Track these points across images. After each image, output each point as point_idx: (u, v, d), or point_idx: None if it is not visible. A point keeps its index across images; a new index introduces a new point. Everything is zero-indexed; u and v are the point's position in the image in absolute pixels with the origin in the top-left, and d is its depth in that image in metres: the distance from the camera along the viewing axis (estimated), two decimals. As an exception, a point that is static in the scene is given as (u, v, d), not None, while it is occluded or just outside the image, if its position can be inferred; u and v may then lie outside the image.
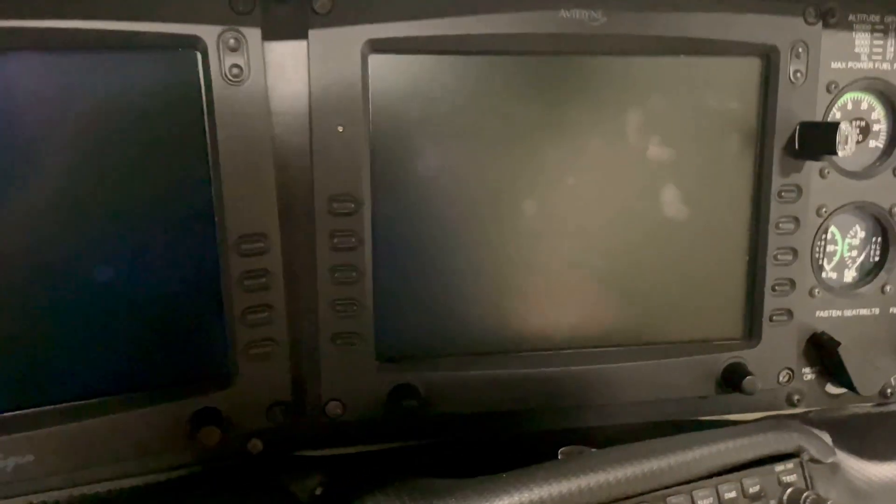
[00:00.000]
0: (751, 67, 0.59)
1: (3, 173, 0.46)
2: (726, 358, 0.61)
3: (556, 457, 0.55)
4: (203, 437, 0.50)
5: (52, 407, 0.49)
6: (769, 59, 0.58)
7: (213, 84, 0.49)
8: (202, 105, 0.49)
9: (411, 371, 0.56)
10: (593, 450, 0.54)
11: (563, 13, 0.54)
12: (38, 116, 0.46)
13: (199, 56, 0.49)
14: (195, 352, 0.53)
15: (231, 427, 0.52)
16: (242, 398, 0.53)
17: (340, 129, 0.52)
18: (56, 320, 0.49)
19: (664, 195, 0.59)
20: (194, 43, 0.48)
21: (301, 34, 0.51)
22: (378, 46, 0.52)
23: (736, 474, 0.52)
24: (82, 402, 0.50)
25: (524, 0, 0.53)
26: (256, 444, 0.55)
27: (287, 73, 0.52)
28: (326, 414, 0.55)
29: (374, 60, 0.52)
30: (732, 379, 0.61)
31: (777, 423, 0.56)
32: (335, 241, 0.54)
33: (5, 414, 0.48)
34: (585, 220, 0.59)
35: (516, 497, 0.46)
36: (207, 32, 0.48)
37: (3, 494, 0.49)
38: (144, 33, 0.47)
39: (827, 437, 0.58)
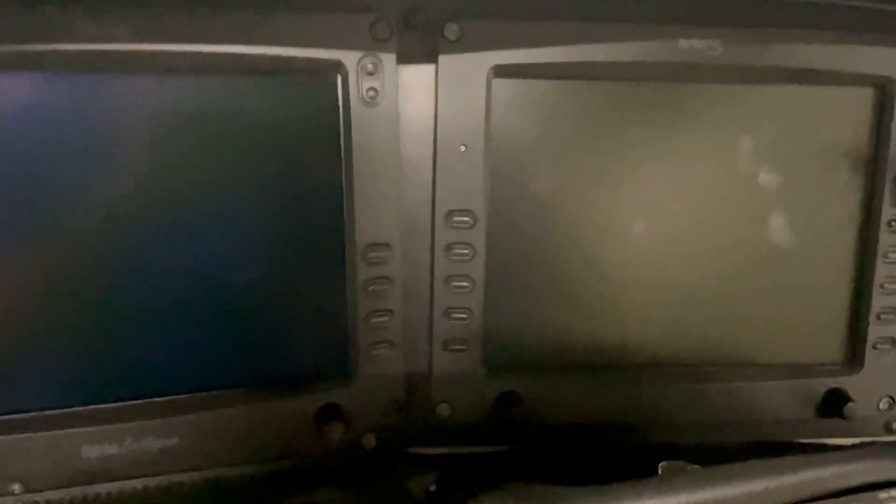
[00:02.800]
0: (865, 97, 0.59)
1: (159, 183, 0.51)
2: (828, 384, 0.62)
3: (654, 471, 0.57)
4: (329, 431, 0.54)
5: (196, 395, 0.54)
6: (884, 90, 0.59)
7: (352, 105, 0.53)
8: (340, 124, 0.53)
9: (517, 379, 0.59)
10: (695, 466, 0.56)
11: (682, 42, 0.55)
12: (191, 135, 0.51)
13: (339, 79, 0.53)
14: (322, 351, 0.57)
15: (349, 423, 0.57)
16: (361, 396, 0.57)
17: (463, 148, 0.56)
18: (206, 317, 0.54)
19: (772, 221, 0.60)
20: (336, 67, 0.52)
21: (431, 59, 0.54)
22: (503, 72, 0.55)
23: (839, 500, 0.53)
24: (223, 391, 0.55)
25: (645, 29, 0.55)
26: (371, 440, 0.59)
27: (416, 95, 0.55)
28: (436, 415, 0.59)
29: (498, 84, 0.55)
30: (832, 404, 0.61)
31: (882, 449, 0.57)
32: (452, 252, 0.57)
33: (154, 399, 0.53)
34: (691, 242, 0.60)
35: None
36: (349, 57, 0.52)
37: (148, 472, 0.54)
38: (292, 58, 0.51)
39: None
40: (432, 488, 0.55)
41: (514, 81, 0.56)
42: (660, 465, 0.57)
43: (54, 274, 0.50)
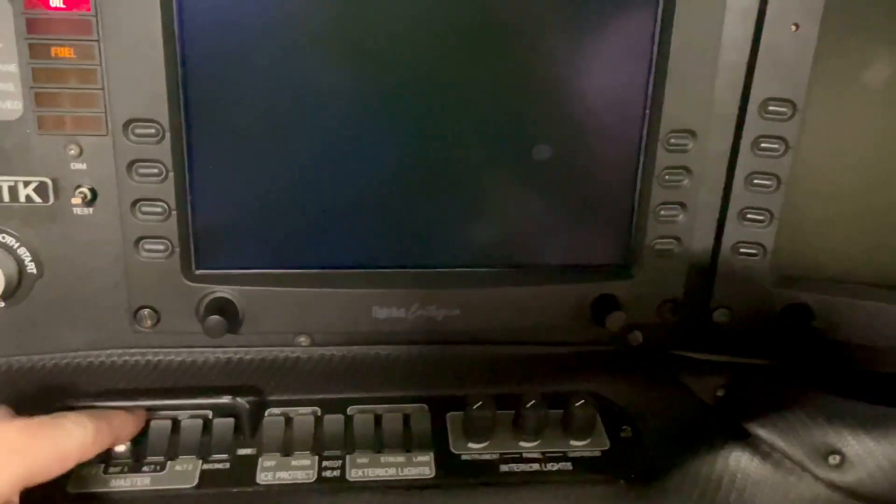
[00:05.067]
0: None
1: (441, 52, 0.49)
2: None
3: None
4: (611, 322, 0.52)
5: (480, 270, 0.54)
6: None
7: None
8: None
9: (809, 292, 0.54)
10: None
11: None
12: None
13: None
14: (606, 238, 0.55)
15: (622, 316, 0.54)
16: (639, 290, 0.54)
17: (794, 27, 0.49)
18: (495, 195, 0.53)
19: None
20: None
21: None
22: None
23: None
24: (505, 269, 0.54)
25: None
26: (637, 337, 0.57)
27: None
28: (713, 320, 0.56)
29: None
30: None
31: None
32: (759, 147, 0.52)
33: (441, 269, 0.53)
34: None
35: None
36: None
37: (431, 340, 0.55)
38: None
39: None
40: (720, 393, 0.53)
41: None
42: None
43: (348, 138, 0.50)
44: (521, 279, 0.54)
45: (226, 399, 0.49)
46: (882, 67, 0.51)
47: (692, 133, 0.51)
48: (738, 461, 0.48)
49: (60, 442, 0.42)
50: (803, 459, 0.47)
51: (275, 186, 0.50)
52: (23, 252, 0.49)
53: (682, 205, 0.53)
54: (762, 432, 0.48)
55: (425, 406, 0.52)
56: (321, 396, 0.52)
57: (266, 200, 0.51)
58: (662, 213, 0.53)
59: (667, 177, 0.52)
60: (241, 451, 0.48)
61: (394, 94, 0.50)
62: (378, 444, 0.49)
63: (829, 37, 0.50)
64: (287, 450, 0.49)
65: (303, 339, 0.55)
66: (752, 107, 0.51)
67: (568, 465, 0.49)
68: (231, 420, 0.50)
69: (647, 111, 0.51)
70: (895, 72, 0.51)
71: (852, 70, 0.51)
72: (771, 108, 0.51)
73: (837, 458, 0.45)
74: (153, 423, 0.49)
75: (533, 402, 0.50)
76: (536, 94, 0.51)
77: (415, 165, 0.51)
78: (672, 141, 0.51)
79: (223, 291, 0.51)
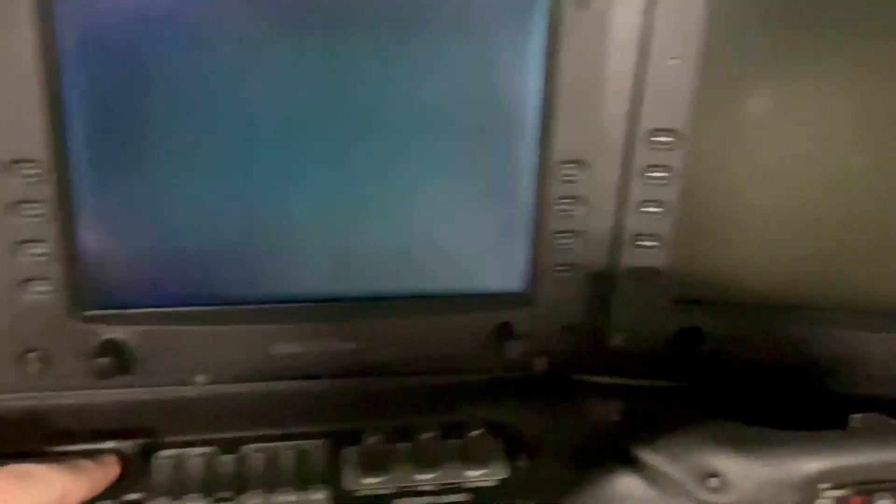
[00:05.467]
0: None
1: (343, 87, 0.49)
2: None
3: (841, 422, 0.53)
4: (507, 349, 0.53)
5: (376, 301, 0.54)
6: None
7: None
8: (547, 27, 0.49)
9: (702, 315, 0.56)
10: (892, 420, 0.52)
11: None
12: (378, 36, 0.48)
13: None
14: (503, 267, 0.55)
15: (524, 343, 0.55)
16: (540, 317, 0.55)
17: (673, 61, 0.51)
18: (391, 224, 0.53)
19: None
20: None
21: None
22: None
23: None
24: (403, 300, 0.54)
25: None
26: (542, 363, 0.58)
27: None
28: (611, 344, 0.57)
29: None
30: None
31: None
32: (648, 175, 0.53)
33: (337, 302, 0.53)
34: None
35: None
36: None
37: (330, 373, 0.55)
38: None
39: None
40: (615, 417, 0.54)
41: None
42: (852, 416, 0.54)
43: (238, 173, 0.50)
44: (422, 309, 0.54)
45: (110, 444, 0.49)
46: (764, 95, 0.53)
47: (583, 163, 0.52)
48: (630, 486, 0.49)
49: (37, 498, 0.41)
50: (686, 482, 0.48)
51: (164, 224, 0.50)
52: None
53: (577, 232, 0.54)
54: (650, 456, 0.49)
55: (323, 441, 0.52)
56: (216, 436, 0.51)
57: (156, 238, 0.50)
58: (559, 241, 0.54)
59: (561, 206, 0.53)
60: (129, 497, 0.48)
61: (283, 127, 0.49)
62: (272, 483, 0.49)
63: (710, 68, 0.51)
64: (177, 493, 0.48)
65: (199, 378, 0.55)
66: (640, 137, 0.52)
67: (464, 497, 0.50)
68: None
69: (539, 143, 0.52)
70: (778, 99, 0.53)
71: (736, 98, 0.53)
72: (657, 138, 0.52)
73: (717, 480, 0.47)
74: None
75: (429, 433, 0.50)
76: (430, 128, 0.51)
77: (308, 198, 0.51)
78: (564, 172, 0.52)
79: (114, 332, 0.50)
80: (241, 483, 0.49)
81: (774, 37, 0.51)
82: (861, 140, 0.54)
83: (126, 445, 0.49)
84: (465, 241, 0.54)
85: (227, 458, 0.50)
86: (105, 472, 0.47)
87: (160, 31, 0.46)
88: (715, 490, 0.47)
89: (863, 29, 0.51)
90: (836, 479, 0.48)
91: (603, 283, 0.56)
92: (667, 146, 0.52)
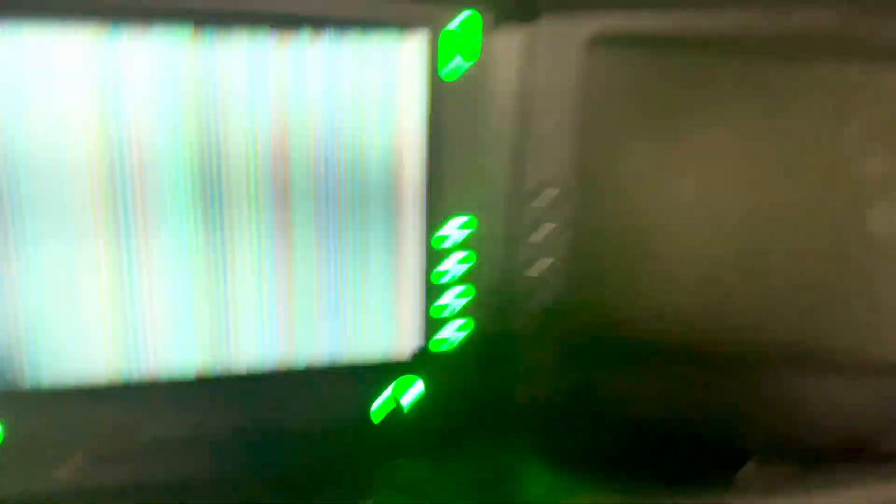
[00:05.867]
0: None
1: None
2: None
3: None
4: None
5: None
6: None
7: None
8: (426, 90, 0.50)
9: (592, 368, 0.56)
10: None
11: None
12: (257, 95, 0.47)
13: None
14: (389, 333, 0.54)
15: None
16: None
17: (555, 121, 0.52)
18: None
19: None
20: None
21: (528, 20, 0.50)
22: (602, 40, 0.51)
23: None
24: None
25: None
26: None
27: (508, 60, 0.51)
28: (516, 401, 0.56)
29: (597, 53, 0.51)
30: None
31: None
32: (535, 230, 0.54)
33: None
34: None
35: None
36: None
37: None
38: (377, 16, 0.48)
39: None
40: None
41: (614, 50, 0.52)
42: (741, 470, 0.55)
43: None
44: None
45: None
46: (644, 151, 0.55)
47: (471, 221, 0.53)
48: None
49: None
50: None
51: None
52: None
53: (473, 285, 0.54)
54: None
55: None
56: None
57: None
58: (452, 298, 0.54)
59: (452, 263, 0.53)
60: None
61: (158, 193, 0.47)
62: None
63: (591, 128, 0.53)
64: None
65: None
66: (525, 193, 0.53)
67: None
68: None
69: (426, 203, 0.52)
70: (656, 152, 0.54)
71: (618, 152, 0.54)
72: (541, 194, 0.53)
73: None
74: None
75: None
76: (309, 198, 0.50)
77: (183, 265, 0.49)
78: (453, 230, 0.52)
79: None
80: None
81: (650, 96, 0.53)
82: (742, 186, 0.55)
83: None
84: (348, 310, 0.53)
85: None
86: None
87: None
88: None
89: (731, 83, 0.53)
90: None
91: (501, 339, 0.56)
92: (551, 203, 0.53)
